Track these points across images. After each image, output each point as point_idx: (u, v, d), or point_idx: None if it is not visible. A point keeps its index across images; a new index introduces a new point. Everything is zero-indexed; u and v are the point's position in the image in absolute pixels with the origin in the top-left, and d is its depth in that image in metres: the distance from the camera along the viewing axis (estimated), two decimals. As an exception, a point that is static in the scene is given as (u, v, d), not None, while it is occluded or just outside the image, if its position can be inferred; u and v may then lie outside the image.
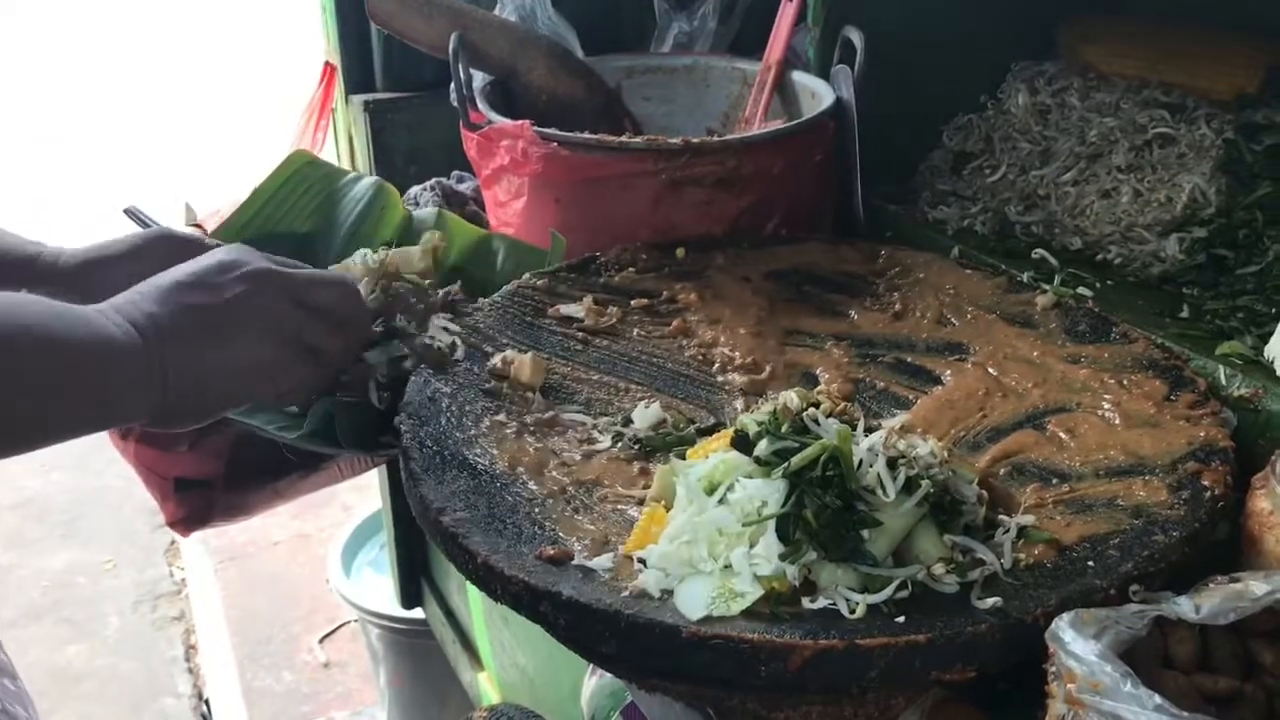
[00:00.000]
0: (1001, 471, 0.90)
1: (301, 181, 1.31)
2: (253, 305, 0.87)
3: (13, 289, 0.79)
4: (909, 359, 1.07)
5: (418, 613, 2.23)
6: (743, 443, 0.81)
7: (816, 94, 1.37)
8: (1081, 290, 1.16)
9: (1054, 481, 0.89)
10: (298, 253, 1.04)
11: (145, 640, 2.91)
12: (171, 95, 6.46)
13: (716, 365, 1.06)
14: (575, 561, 0.79)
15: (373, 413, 1.06)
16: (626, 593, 0.76)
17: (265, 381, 0.89)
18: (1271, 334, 0.99)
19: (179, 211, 1.56)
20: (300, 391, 0.96)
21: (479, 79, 1.42)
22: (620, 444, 0.94)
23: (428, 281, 1.14)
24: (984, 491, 0.83)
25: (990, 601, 0.74)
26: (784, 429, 0.81)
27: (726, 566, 0.76)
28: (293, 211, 1.30)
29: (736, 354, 1.07)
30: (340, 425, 1.04)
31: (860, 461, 0.77)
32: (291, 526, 3.26)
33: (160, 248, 1.02)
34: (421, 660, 2.28)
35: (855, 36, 1.28)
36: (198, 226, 1.47)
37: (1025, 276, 1.19)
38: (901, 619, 0.72)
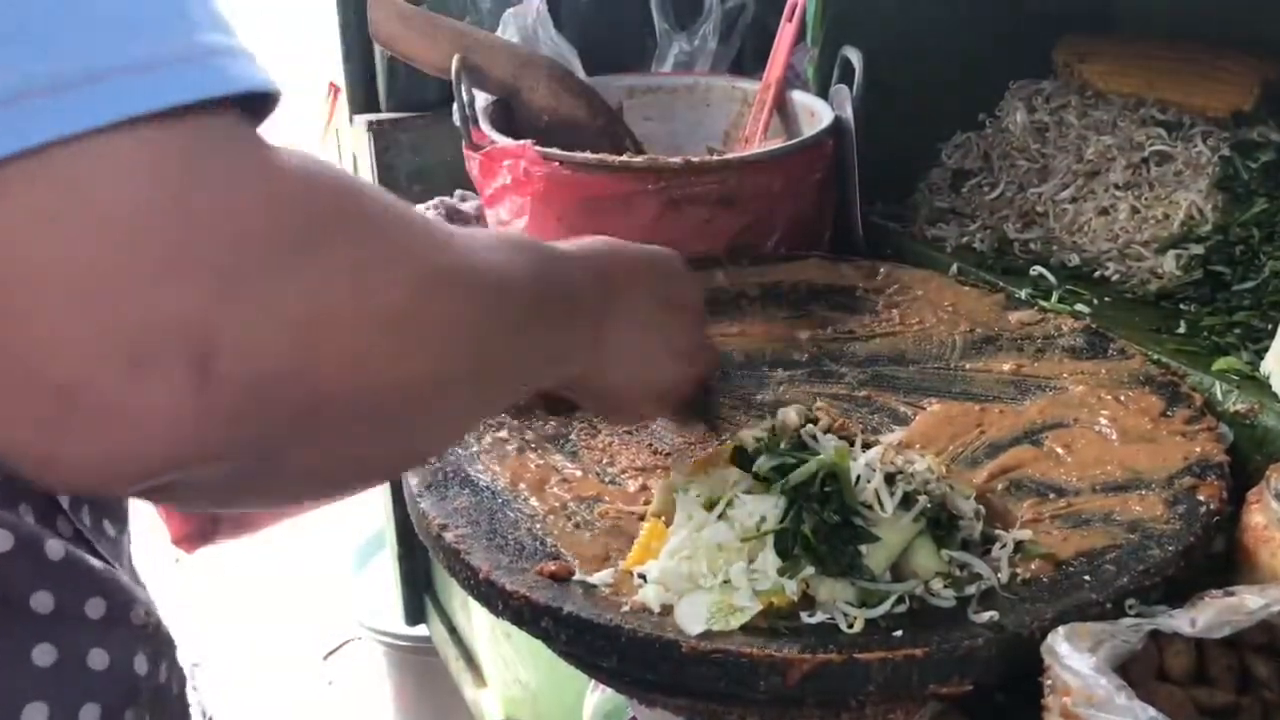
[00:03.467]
0: (999, 487, 0.91)
1: None
2: (692, 324, 0.83)
3: None
4: (908, 375, 1.08)
5: (422, 629, 2.23)
6: (742, 458, 0.82)
7: (816, 113, 1.38)
8: (1079, 307, 1.17)
9: (1051, 496, 0.89)
10: None
11: (149, 658, 2.91)
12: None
13: (717, 382, 1.07)
14: (576, 577, 0.80)
15: None
16: (627, 608, 0.76)
17: (658, 401, 0.85)
18: (1267, 350, 1.00)
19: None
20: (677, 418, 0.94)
21: (481, 99, 1.44)
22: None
23: None
24: (981, 507, 0.83)
25: (987, 616, 0.74)
26: (782, 445, 0.81)
27: (726, 581, 0.77)
28: None
29: (736, 371, 1.08)
30: None
31: (858, 477, 0.78)
32: (295, 542, 3.26)
33: None
34: (426, 677, 2.28)
35: (854, 56, 1.29)
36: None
37: (1023, 293, 1.20)
38: (899, 633, 0.73)
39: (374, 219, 0.50)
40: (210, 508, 0.86)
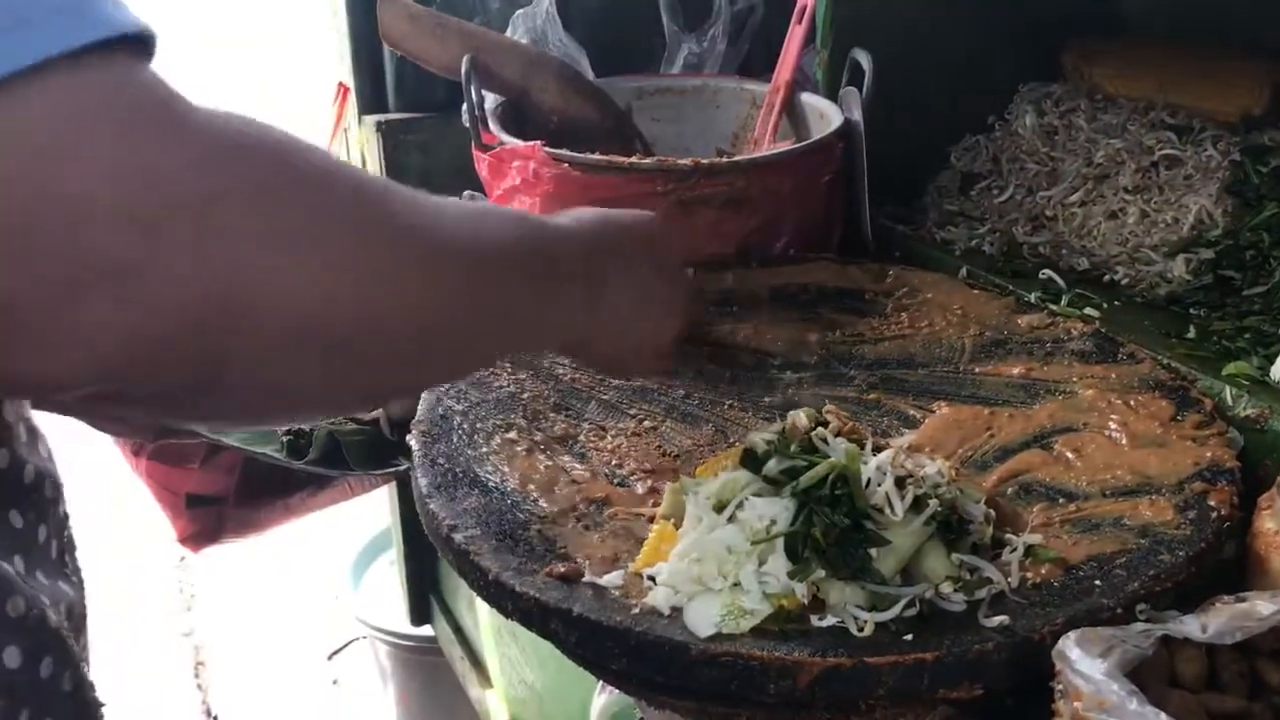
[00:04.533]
0: (1009, 491, 0.91)
1: None
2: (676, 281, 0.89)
3: None
4: (917, 378, 1.08)
5: (427, 629, 2.23)
6: (751, 461, 0.82)
7: (825, 115, 1.38)
8: (1088, 310, 1.16)
9: (1061, 501, 0.89)
10: None
11: (153, 656, 2.91)
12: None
13: (726, 384, 1.07)
14: (585, 579, 0.80)
15: (383, 437, 1.08)
16: (636, 610, 0.76)
17: (653, 357, 0.90)
18: (1278, 354, 0.99)
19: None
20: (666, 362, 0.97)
21: (491, 100, 1.44)
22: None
23: None
24: (991, 510, 0.83)
25: (997, 620, 0.74)
26: (793, 448, 0.81)
27: (736, 584, 0.77)
28: None
29: (745, 373, 1.08)
30: (350, 451, 1.06)
31: (868, 480, 0.78)
32: (300, 542, 3.26)
33: None
34: (430, 677, 2.28)
35: (863, 59, 1.29)
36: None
37: (1033, 297, 1.19)
38: (909, 637, 0.73)
39: (307, 184, 0.54)
40: (149, 418, 0.95)
